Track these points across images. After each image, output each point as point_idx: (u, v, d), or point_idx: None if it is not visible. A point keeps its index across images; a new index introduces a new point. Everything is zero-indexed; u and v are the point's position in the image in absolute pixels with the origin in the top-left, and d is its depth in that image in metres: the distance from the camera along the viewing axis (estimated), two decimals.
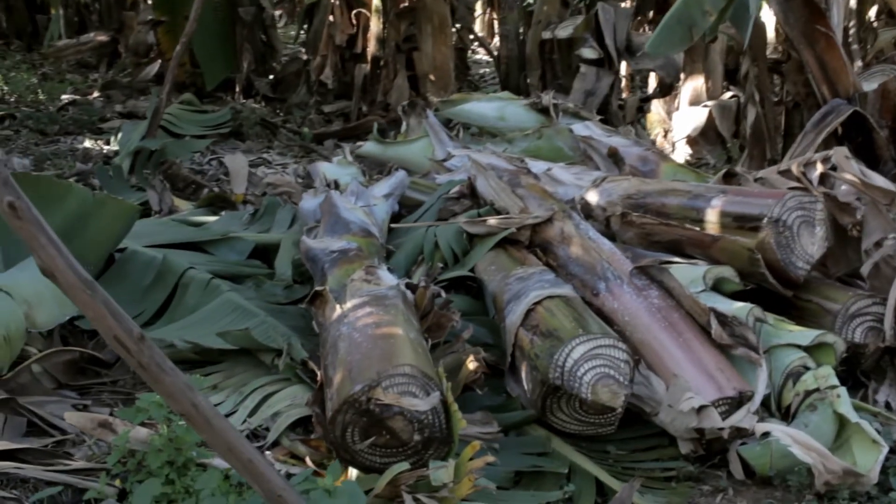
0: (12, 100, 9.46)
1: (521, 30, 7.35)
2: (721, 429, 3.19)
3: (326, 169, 5.14)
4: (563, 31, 6.52)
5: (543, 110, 5.28)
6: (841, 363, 3.76)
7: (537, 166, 4.77)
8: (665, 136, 7.35)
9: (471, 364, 3.33)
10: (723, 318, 3.52)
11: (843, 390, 3.37)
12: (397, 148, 5.57)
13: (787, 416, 3.44)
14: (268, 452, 3.21)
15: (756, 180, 4.28)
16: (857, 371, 3.84)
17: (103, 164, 6.60)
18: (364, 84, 8.30)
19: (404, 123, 5.86)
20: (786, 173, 4.20)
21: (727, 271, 3.81)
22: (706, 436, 3.22)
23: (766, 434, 3.14)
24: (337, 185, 4.75)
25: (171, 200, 5.66)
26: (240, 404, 3.49)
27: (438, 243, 4.28)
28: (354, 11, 8.26)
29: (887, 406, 3.70)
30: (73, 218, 4.19)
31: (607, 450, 3.38)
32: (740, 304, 3.59)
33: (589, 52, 5.91)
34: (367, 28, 8.32)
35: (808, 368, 3.51)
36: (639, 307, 3.61)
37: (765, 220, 3.75)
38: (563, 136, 5.13)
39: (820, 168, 4.00)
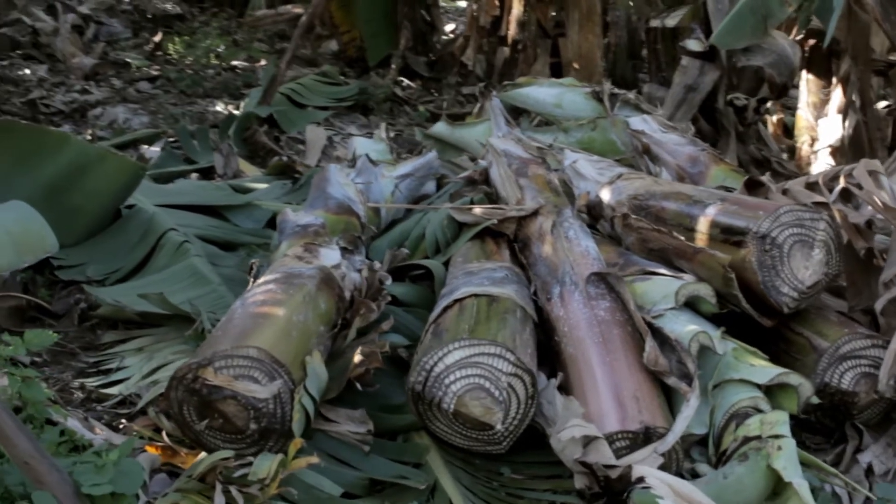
0: (187, 62, 9.82)
1: (632, 16, 6.84)
2: (610, 466, 2.74)
3: (360, 143, 4.93)
4: (672, 20, 5.98)
5: (611, 98, 4.84)
6: (828, 412, 3.21)
7: (572, 157, 4.36)
8: (812, 144, 6.64)
9: (356, 357, 3.05)
10: (666, 341, 3.06)
11: (788, 442, 2.82)
12: (462, 130, 5.29)
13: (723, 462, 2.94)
14: (127, 422, 3.05)
15: (784, 192, 3.71)
16: (847, 423, 3.24)
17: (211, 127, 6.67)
18: (503, 67, 8.00)
19: (478, 105, 5.56)
20: (814, 186, 3.62)
21: (703, 290, 3.31)
22: (596, 472, 2.78)
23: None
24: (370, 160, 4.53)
25: (236, 165, 5.63)
26: (141, 369, 3.35)
27: (426, 230, 3.99)
28: None
29: (868, 470, 3.09)
30: (69, 169, 4.22)
31: (501, 471, 3.00)
32: (693, 327, 3.10)
33: (694, 44, 5.37)
34: (511, 10, 8.02)
35: (759, 411, 2.99)
36: (580, 318, 3.21)
37: (749, 235, 3.22)
38: (619, 128, 4.69)
39: (842, 182, 3.39)
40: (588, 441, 2.78)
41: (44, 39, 9.77)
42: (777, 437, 2.84)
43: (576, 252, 3.52)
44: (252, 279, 3.38)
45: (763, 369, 3.06)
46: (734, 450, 2.89)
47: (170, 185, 5.01)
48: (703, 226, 3.45)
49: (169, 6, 12.58)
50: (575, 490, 2.87)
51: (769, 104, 7.00)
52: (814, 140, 6.61)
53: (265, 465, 2.67)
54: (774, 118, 7.15)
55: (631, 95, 4.85)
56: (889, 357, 3.08)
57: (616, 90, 4.88)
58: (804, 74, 6.58)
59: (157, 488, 2.72)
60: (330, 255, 3.55)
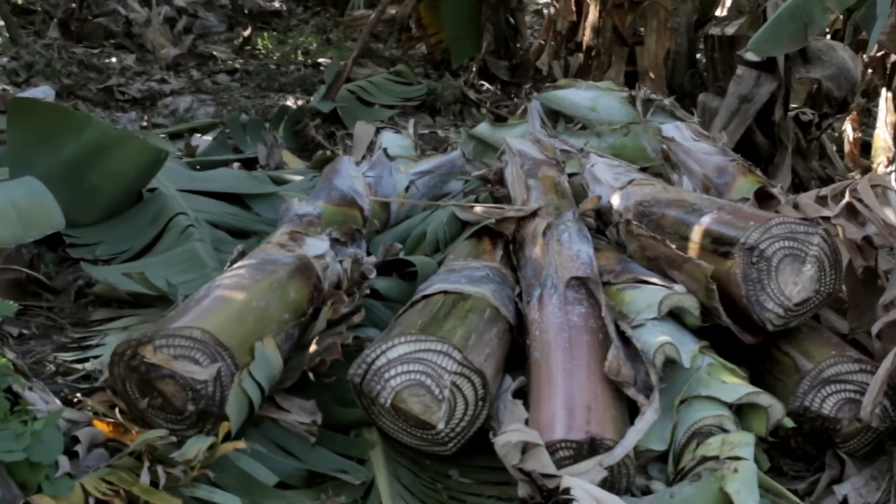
0: (274, 57, 9.98)
1: (693, 23, 6.63)
2: (548, 476, 2.66)
3: (387, 138, 4.92)
4: (731, 28, 5.78)
5: (645, 103, 4.71)
6: (809, 438, 3.05)
7: (593, 161, 4.27)
8: (888, 165, 6.36)
9: (313, 347, 3.03)
10: (633, 352, 2.96)
11: (746, 465, 2.68)
12: (501, 131, 5.23)
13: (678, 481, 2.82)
14: (84, 397, 3.09)
15: (795, 206, 3.56)
16: (829, 451, 3.08)
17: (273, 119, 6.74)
18: (577, 74, 7.90)
19: (522, 107, 5.50)
20: (824, 199, 3.45)
21: (688, 301, 3.19)
22: (536, 481, 2.70)
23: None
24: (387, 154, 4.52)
25: (279, 157, 5.69)
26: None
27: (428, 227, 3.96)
28: None
29: (843, 502, 2.92)
30: (90, 148, 4.31)
31: (449, 474, 2.94)
32: (663, 338, 2.98)
33: (751, 54, 5.19)
34: (587, 16, 7.91)
35: (724, 430, 2.86)
36: (552, 322, 3.13)
37: (737, 246, 3.09)
38: (651, 135, 4.56)
39: (847, 196, 3.22)
40: (528, 448, 2.68)
41: (136, 30, 10.07)
42: (736, 458, 2.71)
43: (564, 255, 3.43)
44: (229, 263, 3.39)
45: (733, 387, 2.93)
46: (690, 469, 2.77)
47: (202, 172, 5.08)
48: (696, 235, 3.33)
49: (268, 3, 12.85)
50: (519, 499, 2.78)
51: (847, 122, 6.75)
52: (890, 161, 6.33)
53: (195, 446, 2.67)
54: (852, 136, 6.88)
55: (667, 101, 4.71)
56: (875, 384, 2.92)
57: (652, 95, 4.74)
58: (884, 93, 6.31)
59: (93, 462, 2.73)
60: (316, 245, 3.54)
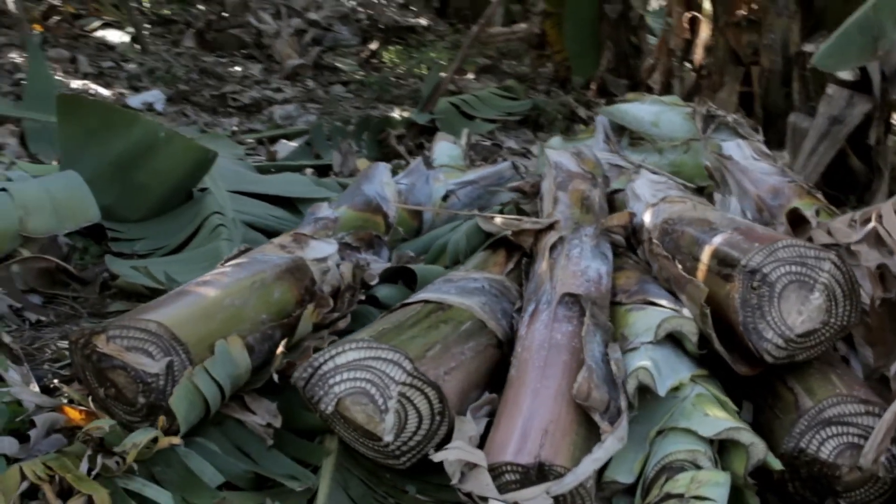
0: (398, 70, 10.07)
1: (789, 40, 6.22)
2: (484, 498, 2.52)
3: (440, 147, 4.84)
4: (810, 46, 5.42)
5: (705, 119, 4.48)
6: (807, 483, 2.81)
7: (638, 177, 4.09)
8: None
9: (279, 349, 2.98)
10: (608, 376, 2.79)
11: None
12: (570, 145, 5.07)
13: None
14: (61, 383, 3.13)
15: (829, 232, 3.30)
16: (830, 500, 2.81)
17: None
18: (687, 94, 7.62)
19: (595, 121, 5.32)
20: (855, 224, 3.19)
21: (687, 326, 2.99)
22: (475, 502, 2.56)
23: None
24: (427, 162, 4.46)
25: (353, 164, 5.69)
26: None
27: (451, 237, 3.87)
28: (689, 16, 7.60)
29: None
30: (137, 147, 4.41)
31: (406, 489, 2.83)
32: (643, 362, 2.80)
33: (844, 72, 4.87)
34: (700, 34, 7.63)
35: (698, 466, 2.65)
36: (535, 339, 2.98)
37: (738, 268, 2.87)
38: (710, 152, 4.33)
39: (873, 221, 2.96)
40: (469, 468, 2.55)
41: (266, 41, 10.33)
42: (702, 499, 2.50)
43: (569, 271, 3.27)
44: (223, 261, 3.37)
45: (714, 421, 2.71)
46: None
47: (260, 175, 5.12)
48: (705, 255, 3.12)
49: (405, 18, 13.00)
50: None
51: None
52: None
53: (136, 439, 2.65)
54: None
55: (730, 118, 4.46)
56: (880, 429, 2.65)
57: (716, 111, 4.50)
58: None
59: (45, 448, 2.75)
60: (319, 248, 3.50)
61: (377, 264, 3.62)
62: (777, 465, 2.69)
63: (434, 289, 3.23)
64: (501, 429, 2.71)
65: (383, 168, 4.20)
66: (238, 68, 9.42)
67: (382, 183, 4.09)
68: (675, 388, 2.83)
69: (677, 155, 4.49)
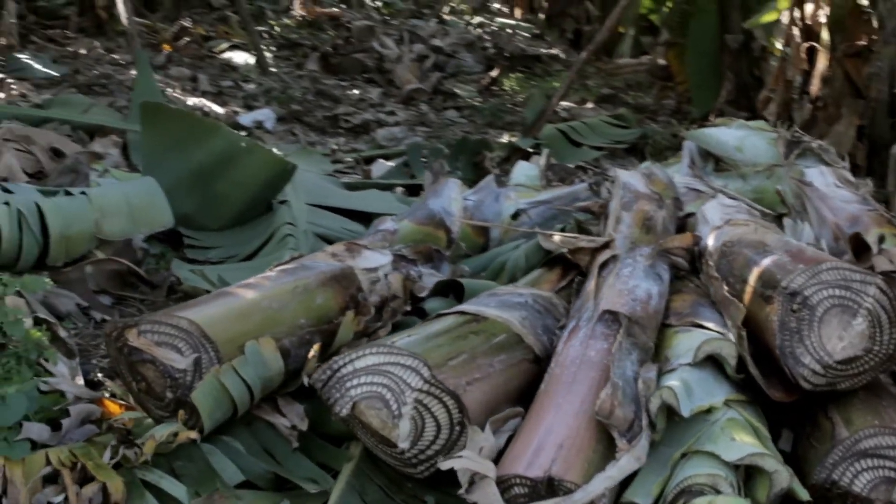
0: (518, 98, 10.10)
1: None
2: None
3: (519, 167, 4.84)
4: None
5: (789, 145, 4.35)
6: None
7: (713, 200, 4.02)
8: None
9: (311, 353, 3.03)
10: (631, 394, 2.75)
11: None
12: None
13: None
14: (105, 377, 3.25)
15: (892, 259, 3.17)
16: None
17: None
18: (805, 125, 7.40)
19: None
20: None
21: (727, 349, 2.92)
22: None
23: None
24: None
25: None
26: None
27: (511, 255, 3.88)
28: (807, 46, 7.40)
29: None
30: (218, 157, 4.56)
31: (425, 499, 2.83)
32: (672, 383, 2.74)
33: None
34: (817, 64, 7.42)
35: (717, 491, 2.57)
36: (569, 356, 2.96)
37: (778, 289, 2.79)
38: (791, 178, 4.21)
39: None
40: (477, 478, 2.53)
41: (387, 65, 10.51)
42: None
43: (616, 289, 3.22)
44: (273, 265, 3.45)
45: (739, 446, 2.63)
46: None
47: (344, 191, 5.21)
48: (753, 277, 3.04)
49: (533, 47, 13.04)
50: None
51: None
52: None
53: (158, 432, 2.73)
54: None
55: (815, 144, 4.32)
56: None
57: (802, 136, 4.37)
58: None
59: (77, 437, 2.86)
60: (372, 258, 3.54)
61: (431, 277, 3.63)
62: (804, 495, 2.59)
63: (475, 301, 3.24)
64: (518, 442, 2.69)
65: (453, 184, 4.22)
66: (356, 91, 9.61)
67: (450, 198, 4.12)
68: (707, 411, 2.75)
69: (760, 181, 4.37)
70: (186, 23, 10.99)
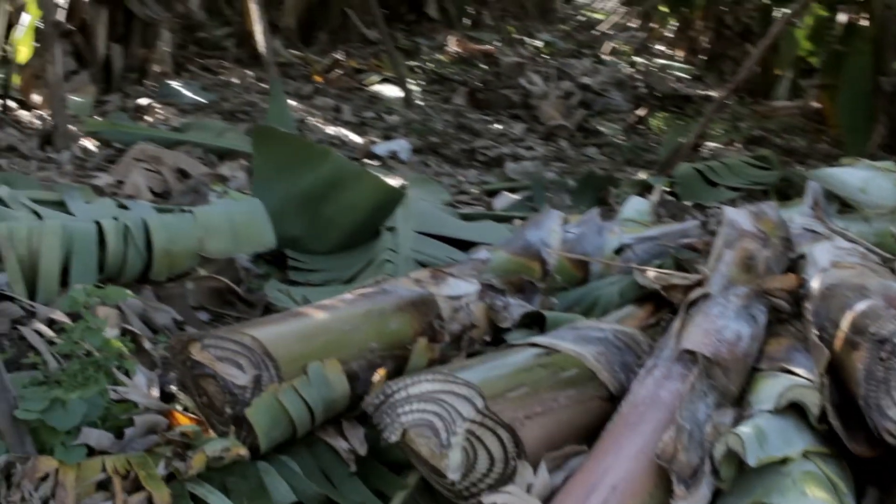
0: (660, 139, 9.92)
1: None
2: None
3: (631, 202, 4.71)
4: None
5: None
6: None
7: (826, 242, 3.81)
8: None
9: (375, 377, 2.98)
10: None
11: None
12: (784, 210, 4.79)
13: None
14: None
15: None
16: None
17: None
18: None
19: None
20: None
21: (810, 397, 2.74)
22: None
23: None
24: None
25: None
26: None
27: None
28: None
29: None
30: (327, 181, 4.60)
31: None
32: (745, 429, 2.58)
33: None
34: None
35: None
36: (640, 395, 2.85)
37: (866, 335, 2.61)
38: None
39: None
40: None
41: (533, 102, 10.48)
42: None
43: (701, 329, 3.07)
44: (356, 288, 3.43)
45: (811, 501, 2.44)
46: None
47: (459, 221, 5.17)
48: (845, 321, 2.84)
49: (690, 88, 12.80)
50: None
51: None
52: None
53: (210, 447, 2.73)
54: None
55: None
56: None
57: None
58: None
59: (140, 446, 2.89)
60: (457, 286, 3.48)
61: (517, 309, 3.54)
62: None
63: (552, 333, 3.14)
64: (573, 481, 2.59)
65: (555, 215, 4.12)
66: (499, 126, 9.60)
67: (549, 230, 4.02)
68: (781, 462, 2.57)
69: (884, 224, 4.11)
70: (340, 56, 11.24)
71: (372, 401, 2.72)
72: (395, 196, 4.59)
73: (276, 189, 4.58)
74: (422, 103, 10.04)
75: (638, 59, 14.45)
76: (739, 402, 2.88)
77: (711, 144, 9.65)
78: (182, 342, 2.89)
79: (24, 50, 6.65)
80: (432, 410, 2.63)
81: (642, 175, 7.91)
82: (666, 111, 11.47)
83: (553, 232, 4.02)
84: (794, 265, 3.88)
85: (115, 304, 3.47)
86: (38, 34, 6.49)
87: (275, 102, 6.40)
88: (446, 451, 2.59)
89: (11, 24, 6.81)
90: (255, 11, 6.97)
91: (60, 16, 7.83)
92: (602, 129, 10.01)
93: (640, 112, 10.67)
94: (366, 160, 7.44)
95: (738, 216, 3.83)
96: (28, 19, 6.56)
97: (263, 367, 2.83)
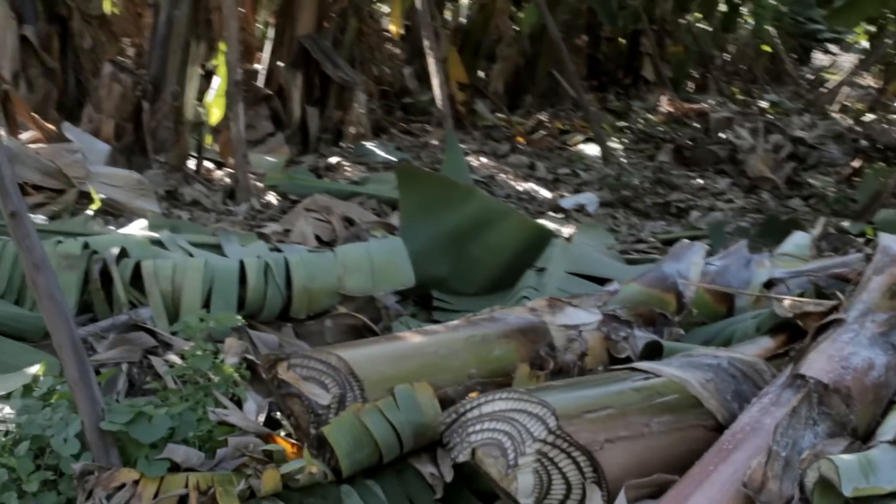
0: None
1: None
2: None
3: (791, 236, 4.39)
4: None
5: None
6: None
7: None
8: None
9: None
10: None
11: None
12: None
13: None
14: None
15: None
16: None
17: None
18: None
19: None
20: None
21: None
22: None
23: None
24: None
25: None
26: None
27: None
28: None
29: None
30: (472, 220, 4.55)
31: None
32: (846, 457, 2.33)
33: None
34: None
35: None
36: (744, 422, 2.63)
37: None
38: None
39: None
40: None
41: (740, 156, 10.11)
42: None
43: (825, 355, 2.80)
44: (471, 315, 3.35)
45: None
46: None
47: (618, 264, 5.00)
48: None
49: None
50: None
51: None
52: None
53: (287, 467, 2.70)
54: None
55: None
56: None
57: None
58: None
59: (229, 466, 2.90)
60: (574, 315, 3.35)
61: (641, 340, 3.35)
62: None
63: (667, 362, 2.94)
64: None
65: (697, 248, 3.91)
66: (700, 181, 9.30)
67: (690, 262, 3.81)
68: (887, 496, 2.27)
69: None
70: (543, 117, 11.26)
71: (444, 419, 2.61)
72: (544, 235, 4.49)
73: (423, 229, 4.57)
74: (624, 160, 9.87)
75: (871, 116, 13.73)
76: (869, 436, 2.59)
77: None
78: (270, 361, 2.88)
79: (216, 112, 7.00)
80: (503, 429, 2.50)
81: (845, 223, 7.45)
82: (888, 163, 10.78)
83: (693, 264, 3.80)
84: None
85: (228, 331, 3.52)
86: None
87: (450, 153, 6.43)
88: (515, 473, 2.44)
89: (204, 89, 7.20)
90: (433, 70, 7.05)
91: (259, 81, 8.26)
92: (812, 181, 9.53)
93: (856, 164, 10.07)
94: (550, 213, 7.36)
95: (893, 243, 3.50)
96: (218, 82, 6.91)
97: (348, 388, 2.79)
